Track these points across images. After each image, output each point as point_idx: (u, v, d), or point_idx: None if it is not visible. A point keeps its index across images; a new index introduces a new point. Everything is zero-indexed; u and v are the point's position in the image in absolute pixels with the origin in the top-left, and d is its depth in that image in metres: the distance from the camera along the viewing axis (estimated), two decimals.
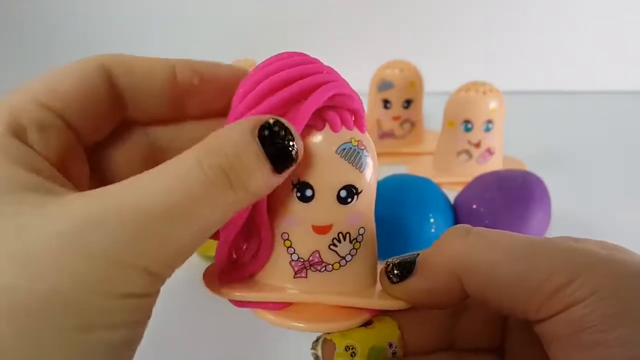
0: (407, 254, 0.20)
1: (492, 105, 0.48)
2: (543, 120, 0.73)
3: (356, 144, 0.19)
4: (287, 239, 0.19)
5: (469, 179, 0.41)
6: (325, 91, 0.18)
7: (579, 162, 0.58)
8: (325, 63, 0.20)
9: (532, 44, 0.83)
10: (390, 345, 0.19)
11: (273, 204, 0.19)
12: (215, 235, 0.19)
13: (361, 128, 0.19)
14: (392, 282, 0.19)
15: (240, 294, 0.19)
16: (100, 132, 0.19)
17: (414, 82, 0.56)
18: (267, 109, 0.17)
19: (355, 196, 0.19)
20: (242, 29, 0.85)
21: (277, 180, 0.17)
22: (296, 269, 0.19)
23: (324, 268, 0.19)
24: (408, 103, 0.57)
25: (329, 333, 0.19)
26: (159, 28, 0.88)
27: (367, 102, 0.59)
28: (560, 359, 0.15)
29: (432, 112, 0.61)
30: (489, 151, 0.50)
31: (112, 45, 0.90)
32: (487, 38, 0.83)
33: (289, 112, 0.18)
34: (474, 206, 0.38)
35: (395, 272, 0.19)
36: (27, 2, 0.89)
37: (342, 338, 0.19)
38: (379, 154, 0.68)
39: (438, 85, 0.64)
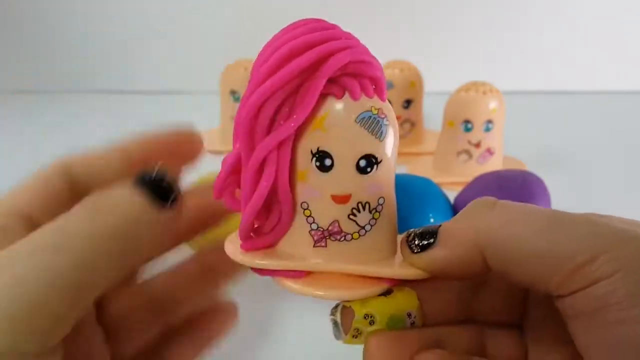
0: (429, 224, 0.20)
1: (492, 105, 0.48)
2: (543, 120, 0.73)
3: (376, 112, 0.18)
4: (307, 209, 0.19)
5: (469, 179, 0.41)
6: (342, 57, 0.17)
7: (579, 162, 0.58)
8: None
9: (532, 44, 0.83)
10: (409, 315, 0.19)
11: (292, 175, 0.19)
12: (239, 208, 0.20)
13: (382, 96, 0.19)
14: (413, 252, 0.19)
15: (261, 262, 0.19)
16: None
17: (414, 82, 0.56)
18: (285, 76, 0.17)
19: (375, 166, 0.19)
20: (241, 28, 0.85)
21: (165, 216, 0.18)
22: (316, 238, 0.19)
23: (343, 237, 0.19)
24: (408, 103, 0.57)
25: (348, 301, 0.19)
26: (157, 28, 0.88)
27: None
28: (583, 335, 0.15)
29: (432, 112, 0.61)
30: (489, 151, 0.50)
31: (111, 46, 0.90)
32: (487, 38, 0.83)
33: (307, 79, 0.18)
34: None
35: (417, 241, 0.19)
36: (27, 2, 0.89)
37: (361, 306, 0.19)
38: None
39: (438, 85, 0.64)
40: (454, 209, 0.39)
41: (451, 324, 0.20)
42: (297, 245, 0.20)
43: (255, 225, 0.20)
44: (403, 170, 0.54)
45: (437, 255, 0.18)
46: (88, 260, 0.16)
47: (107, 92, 0.90)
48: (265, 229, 0.20)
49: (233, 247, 0.20)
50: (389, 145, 0.19)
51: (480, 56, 0.83)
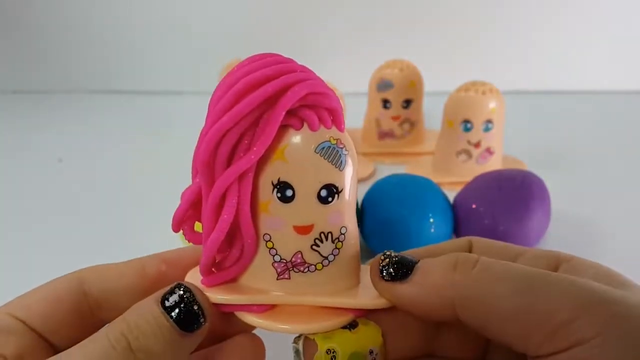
0: (408, 254, 0.19)
1: (492, 105, 0.48)
2: (543, 120, 0.73)
3: (335, 142, 0.19)
4: (269, 240, 0.19)
5: (468, 178, 0.41)
6: (299, 90, 0.18)
7: (579, 162, 0.58)
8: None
9: (532, 44, 0.83)
10: (371, 352, 0.19)
11: (254, 206, 0.19)
12: (199, 241, 0.20)
13: (339, 127, 0.19)
14: (383, 278, 0.19)
15: (223, 297, 0.19)
16: (75, 334, 0.20)
17: (414, 82, 0.56)
18: (242, 110, 0.17)
19: (336, 195, 0.19)
20: (241, 29, 0.85)
21: (190, 340, 0.18)
22: (279, 270, 0.20)
23: (306, 269, 0.20)
24: (408, 103, 0.57)
25: (312, 334, 0.19)
26: (156, 29, 0.88)
27: (367, 102, 0.59)
28: None
29: (431, 112, 0.61)
30: (489, 151, 0.50)
31: (112, 47, 0.90)
32: (487, 38, 0.83)
33: (266, 111, 0.18)
34: (474, 206, 0.38)
35: (390, 269, 0.19)
36: (27, 2, 0.89)
37: (324, 340, 0.19)
38: (379, 154, 0.68)
39: (438, 85, 0.64)
40: (454, 209, 0.39)
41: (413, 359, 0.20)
42: (260, 279, 0.20)
43: (217, 260, 0.20)
44: (402, 170, 0.54)
45: (405, 291, 0.18)
46: None
47: (108, 92, 0.90)
48: (226, 262, 0.20)
49: (193, 283, 0.20)
50: (349, 174, 0.19)
51: (480, 56, 0.83)
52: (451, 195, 0.40)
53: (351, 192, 0.19)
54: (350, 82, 0.66)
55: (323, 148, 0.19)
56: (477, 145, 0.50)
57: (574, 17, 0.81)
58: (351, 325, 0.19)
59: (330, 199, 0.19)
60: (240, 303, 0.19)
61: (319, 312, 0.19)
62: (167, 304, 0.18)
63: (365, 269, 0.21)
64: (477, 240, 0.22)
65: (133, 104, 0.85)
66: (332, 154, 0.19)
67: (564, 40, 0.82)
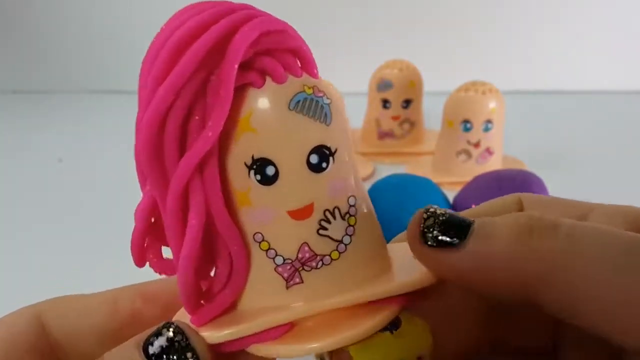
0: (456, 213, 0.14)
1: (492, 105, 0.48)
2: (543, 120, 0.73)
3: (311, 91, 0.14)
4: (263, 240, 0.15)
5: (468, 178, 0.41)
6: (248, 32, 0.13)
7: (579, 162, 0.58)
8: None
9: (532, 44, 0.83)
10: (420, 358, 0.15)
11: (230, 201, 0.15)
12: (171, 269, 0.16)
13: (311, 71, 0.15)
14: (426, 242, 0.14)
15: (225, 333, 0.14)
16: None
17: (414, 82, 0.56)
18: (181, 74, 0.13)
19: (331, 158, 0.15)
20: None
21: None
22: (286, 275, 0.15)
23: (320, 262, 0.15)
24: (407, 103, 0.57)
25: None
26: (156, 29, 0.88)
27: (367, 102, 0.59)
28: None
29: (431, 112, 0.61)
30: (489, 151, 0.50)
31: (112, 46, 0.90)
32: (487, 38, 0.83)
33: (212, 72, 0.13)
34: (474, 206, 0.38)
35: (436, 232, 0.14)
36: (27, 2, 0.89)
37: (362, 351, 0.14)
38: (379, 154, 0.68)
39: (437, 85, 0.64)
40: (454, 209, 0.39)
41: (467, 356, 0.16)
42: (265, 294, 0.15)
43: (203, 288, 0.15)
44: (402, 170, 0.54)
45: (459, 262, 0.13)
46: None
47: (108, 92, 0.90)
48: (216, 286, 0.15)
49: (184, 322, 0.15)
50: (340, 129, 0.15)
51: (479, 56, 0.83)
52: (451, 195, 0.40)
53: (348, 151, 0.15)
54: (350, 82, 0.66)
55: (298, 102, 0.14)
56: (476, 145, 0.50)
57: (574, 17, 0.81)
58: (393, 326, 0.15)
59: (324, 164, 0.14)
60: (249, 333, 0.14)
61: (351, 313, 0.15)
62: (152, 350, 0.14)
63: (395, 247, 0.17)
64: (529, 197, 0.17)
65: (133, 104, 0.84)
66: (312, 106, 0.14)
67: (564, 40, 0.82)
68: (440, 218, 0.14)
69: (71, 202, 0.52)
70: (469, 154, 0.50)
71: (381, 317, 0.15)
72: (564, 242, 0.12)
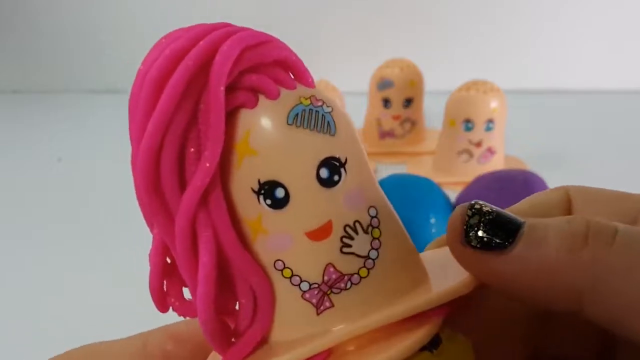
0: (504, 211, 0.13)
1: (493, 104, 0.48)
2: (544, 120, 0.72)
3: (308, 102, 0.14)
4: (284, 268, 0.14)
5: (469, 178, 0.41)
6: (229, 50, 0.13)
7: (580, 162, 0.57)
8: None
9: (533, 43, 0.83)
10: None
11: (242, 232, 0.14)
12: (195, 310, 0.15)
13: (306, 81, 0.14)
14: (470, 243, 0.13)
15: None
16: None
17: (414, 81, 0.56)
18: (166, 106, 0.12)
19: (342, 169, 0.14)
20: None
21: None
22: (314, 301, 0.14)
23: (349, 283, 0.14)
24: (408, 102, 0.57)
25: None
26: (156, 29, 0.87)
27: (367, 101, 0.59)
28: None
29: (432, 111, 0.61)
30: (490, 151, 0.50)
31: (112, 46, 0.90)
32: (488, 37, 0.83)
33: (200, 99, 0.13)
34: None
35: (481, 233, 0.13)
36: (27, 2, 0.89)
37: None
38: (380, 154, 0.67)
39: (438, 84, 0.64)
40: (455, 209, 0.39)
41: None
42: (295, 325, 0.14)
43: (232, 326, 0.15)
44: (403, 170, 0.54)
45: (505, 267, 0.12)
46: None
47: (108, 92, 0.90)
48: (243, 322, 0.14)
49: None
50: (347, 136, 0.14)
51: (481, 55, 0.82)
52: (452, 195, 0.40)
53: (360, 159, 0.14)
54: (350, 81, 0.66)
55: (297, 115, 0.13)
56: (478, 144, 0.49)
57: (575, 17, 0.81)
58: (433, 345, 0.14)
59: (336, 177, 0.14)
60: None
61: (388, 332, 0.14)
62: None
63: (429, 255, 0.16)
64: (579, 191, 0.16)
65: None
66: (312, 117, 0.14)
67: (565, 40, 0.82)
68: (487, 217, 0.13)
69: (70, 202, 0.52)
70: (470, 154, 0.50)
71: (419, 335, 0.13)
72: (618, 254, 0.12)
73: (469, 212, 0.13)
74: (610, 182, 0.57)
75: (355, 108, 0.59)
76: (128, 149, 0.14)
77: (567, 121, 0.71)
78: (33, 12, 0.90)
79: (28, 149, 0.70)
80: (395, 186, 0.37)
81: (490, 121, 0.48)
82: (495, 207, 0.13)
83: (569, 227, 0.12)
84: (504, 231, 0.12)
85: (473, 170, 0.48)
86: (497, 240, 0.12)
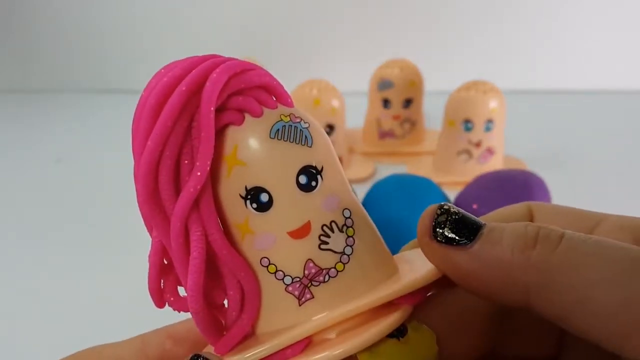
0: (468, 214, 0.15)
1: (493, 104, 0.48)
2: (544, 120, 0.72)
3: (288, 119, 0.16)
4: (269, 264, 0.16)
5: (469, 178, 0.41)
6: (218, 77, 0.15)
7: (580, 162, 0.57)
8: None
9: (533, 43, 0.83)
10: None
11: (231, 234, 0.16)
12: (183, 305, 0.16)
13: (285, 102, 0.16)
14: (435, 237, 0.14)
15: (250, 355, 0.15)
16: None
17: (414, 81, 0.56)
18: (164, 125, 0.14)
19: (319, 176, 0.16)
20: (242, 28, 0.85)
21: None
22: (297, 293, 0.16)
23: (327, 276, 0.16)
24: (408, 102, 0.57)
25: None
26: (156, 28, 0.87)
27: (367, 101, 0.59)
28: None
29: (432, 112, 0.61)
30: (490, 151, 0.50)
31: (112, 46, 0.90)
32: (488, 37, 0.83)
33: (194, 118, 0.15)
34: (475, 206, 0.37)
35: (446, 230, 0.14)
36: (27, 2, 0.89)
37: (369, 357, 0.15)
38: (379, 154, 0.67)
39: (438, 85, 0.64)
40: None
41: None
42: (280, 316, 0.16)
43: (223, 321, 0.17)
44: (403, 170, 0.54)
45: (464, 262, 0.14)
46: None
47: (107, 92, 0.90)
48: (231, 315, 0.16)
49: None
50: (323, 148, 0.16)
51: (480, 55, 0.82)
52: (452, 195, 0.40)
53: (335, 167, 0.16)
54: (350, 82, 0.66)
55: (278, 130, 0.15)
56: (478, 145, 0.49)
57: (574, 17, 0.81)
58: (399, 332, 0.16)
59: (313, 182, 0.16)
60: (267, 354, 0.15)
61: (363, 320, 0.16)
62: None
63: (401, 256, 0.17)
64: (539, 206, 0.18)
65: (133, 104, 0.84)
66: (291, 132, 0.16)
67: (565, 40, 0.82)
68: (453, 216, 0.14)
69: (70, 202, 0.52)
70: (470, 154, 0.50)
71: (388, 321, 0.15)
72: (563, 255, 0.13)
73: (438, 211, 0.15)
74: (610, 182, 0.57)
75: (355, 108, 0.59)
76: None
77: (566, 121, 0.71)
78: (33, 12, 0.90)
79: (27, 149, 0.69)
80: (395, 186, 0.37)
81: (490, 121, 0.48)
82: (461, 210, 0.15)
83: (522, 230, 0.14)
84: (466, 230, 0.14)
85: (473, 170, 0.48)
86: (459, 238, 0.14)
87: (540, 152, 0.59)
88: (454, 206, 0.15)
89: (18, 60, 0.93)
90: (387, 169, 0.54)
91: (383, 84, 0.56)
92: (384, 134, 0.59)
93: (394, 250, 0.19)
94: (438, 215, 0.15)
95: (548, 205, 0.18)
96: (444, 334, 0.16)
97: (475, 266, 0.14)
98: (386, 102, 0.57)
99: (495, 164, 0.50)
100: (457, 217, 0.14)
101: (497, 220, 0.16)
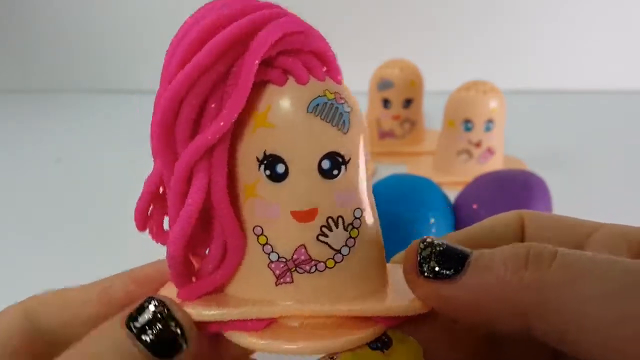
0: (453, 244, 0.14)
1: (493, 104, 0.48)
2: (544, 120, 0.72)
3: (332, 97, 0.14)
4: (262, 234, 0.15)
5: (469, 178, 0.41)
6: (272, 30, 0.13)
7: (580, 162, 0.57)
8: None
9: (532, 43, 0.83)
10: None
11: (235, 191, 0.15)
12: (165, 238, 0.15)
13: (335, 77, 0.15)
14: (423, 276, 0.14)
15: (207, 313, 0.14)
16: None
17: (414, 81, 0.56)
18: (201, 62, 0.13)
19: (343, 167, 0.15)
20: None
21: None
22: (277, 272, 0.15)
23: (314, 267, 0.15)
24: (408, 102, 0.57)
25: (333, 356, 0.14)
26: (156, 28, 0.87)
27: (367, 101, 0.59)
28: None
29: (432, 112, 0.61)
30: (490, 151, 0.50)
31: (112, 46, 0.90)
32: (488, 37, 0.83)
33: (233, 64, 0.14)
34: (475, 206, 0.37)
35: (433, 264, 0.14)
36: (27, 2, 0.89)
37: None
38: (379, 154, 0.67)
39: (438, 85, 0.64)
40: (454, 209, 0.38)
41: None
42: (252, 286, 0.15)
43: (197, 267, 0.16)
44: (403, 170, 0.54)
45: (456, 294, 0.13)
46: None
47: (107, 92, 0.90)
48: (207, 267, 0.15)
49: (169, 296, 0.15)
50: (357, 138, 0.15)
51: (480, 55, 0.82)
52: (452, 195, 0.40)
53: (362, 163, 0.15)
54: (350, 82, 0.66)
55: (317, 105, 0.14)
56: (478, 145, 0.49)
57: (575, 17, 0.81)
58: (384, 345, 0.15)
59: (335, 171, 0.14)
60: (232, 318, 0.14)
61: (335, 323, 0.15)
62: (136, 324, 0.14)
63: (394, 268, 0.17)
64: (531, 215, 0.17)
65: (133, 104, 0.85)
66: (331, 112, 0.14)
67: (565, 40, 0.82)
68: (438, 249, 0.14)
69: (69, 202, 0.52)
70: (470, 154, 0.50)
71: (368, 333, 0.14)
72: (557, 273, 0.13)
73: (422, 245, 0.14)
74: (610, 181, 0.57)
75: None
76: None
77: (566, 121, 0.71)
78: (33, 12, 0.90)
79: (27, 149, 0.69)
80: (395, 186, 0.37)
81: (490, 121, 0.48)
82: (444, 241, 0.14)
83: (511, 253, 0.13)
84: (453, 261, 0.14)
85: (473, 170, 0.48)
86: (447, 271, 0.13)
87: (540, 152, 0.59)
88: (437, 238, 0.14)
89: (18, 60, 0.93)
90: (387, 169, 0.54)
91: (383, 84, 0.56)
92: (384, 134, 0.58)
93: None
94: (422, 250, 0.14)
95: (540, 214, 0.17)
96: (432, 348, 0.15)
97: (468, 297, 0.13)
98: (386, 102, 0.57)
99: (495, 164, 0.50)
100: (441, 249, 0.14)
101: (487, 232, 0.16)
